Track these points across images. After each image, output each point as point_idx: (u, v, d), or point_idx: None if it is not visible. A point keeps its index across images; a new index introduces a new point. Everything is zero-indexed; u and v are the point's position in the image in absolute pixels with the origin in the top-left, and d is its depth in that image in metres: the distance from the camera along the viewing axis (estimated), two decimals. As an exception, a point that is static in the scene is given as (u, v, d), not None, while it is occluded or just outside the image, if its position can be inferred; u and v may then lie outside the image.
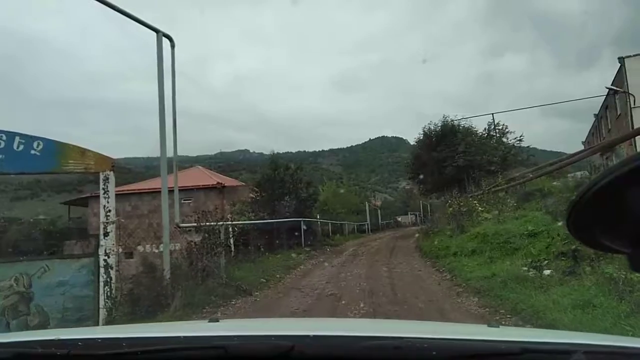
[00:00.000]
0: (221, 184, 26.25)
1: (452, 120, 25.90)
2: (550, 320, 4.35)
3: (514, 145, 27.81)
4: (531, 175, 13.51)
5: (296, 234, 15.01)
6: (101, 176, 5.61)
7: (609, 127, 26.64)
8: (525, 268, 6.54)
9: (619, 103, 23.68)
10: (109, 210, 5.56)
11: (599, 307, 4.32)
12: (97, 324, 5.36)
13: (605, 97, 27.08)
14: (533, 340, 1.10)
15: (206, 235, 7.40)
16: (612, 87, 22.47)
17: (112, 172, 5.63)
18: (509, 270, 6.74)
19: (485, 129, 27.96)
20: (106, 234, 5.50)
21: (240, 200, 17.93)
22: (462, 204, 14.50)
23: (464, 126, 26.07)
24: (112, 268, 5.49)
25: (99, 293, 5.44)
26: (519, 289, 5.80)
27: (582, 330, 3.91)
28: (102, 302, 5.42)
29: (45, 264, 5.63)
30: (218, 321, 1.53)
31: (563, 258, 6.16)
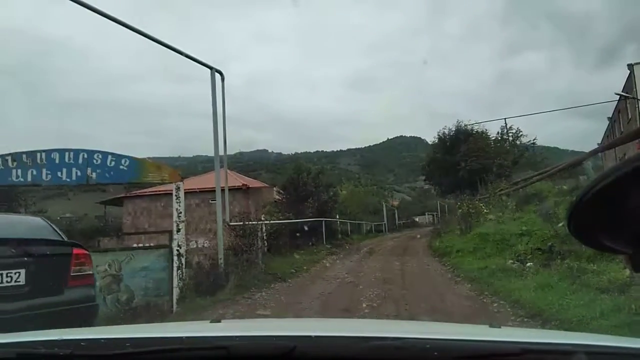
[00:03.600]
0: (246, 185, 28.05)
1: (465, 125, 27.16)
2: (517, 297, 5.77)
3: (526, 148, 28.81)
4: (534, 179, 14.71)
5: (318, 232, 16.58)
6: (174, 186, 7.27)
7: (622, 131, 27.29)
8: (512, 261, 7.92)
9: (629, 107, 24.42)
10: (180, 212, 7.21)
11: (554, 287, 5.71)
12: (172, 300, 6.98)
13: (617, 101, 27.73)
14: (534, 340, 1.11)
15: (248, 232, 9.02)
16: (622, 93, 23.24)
17: (182, 183, 7.28)
18: (499, 263, 8.13)
19: (498, 132, 29.02)
20: (178, 230, 7.14)
21: (268, 202, 19.60)
22: (470, 206, 15.81)
23: (477, 131, 27.21)
24: (182, 256, 7.12)
25: (172, 276, 7.08)
26: (503, 277, 7.21)
27: (534, 301, 5.31)
28: (175, 283, 7.05)
29: (131, 253, 7.30)
30: (220, 321, 1.53)
31: (540, 253, 7.52)
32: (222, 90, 8.54)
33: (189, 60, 8.48)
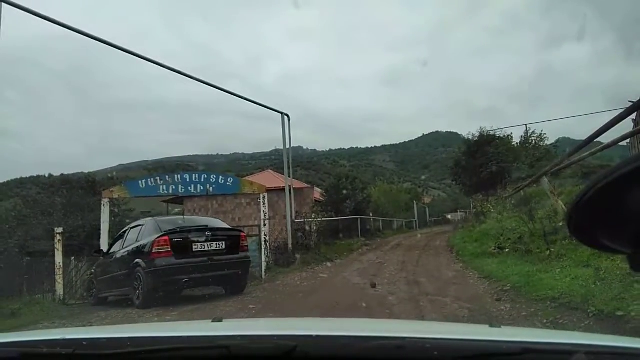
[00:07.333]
0: (291, 186, 32.09)
1: (487, 131, 29.87)
2: (484, 268, 9.10)
3: (547, 150, 31.19)
4: (530, 182, 17.52)
5: (354, 228, 20.23)
6: (261, 196, 11.10)
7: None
8: (493, 248, 11.17)
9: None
10: (265, 213, 11.01)
11: (507, 263, 9.01)
12: (261, 270, 10.72)
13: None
14: (534, 340, 1.14)
15: (304, 226, 12.78)
16: (633, 101, 25.13)
17: (266, 193, 11.08)
18: (485, 250, 11.41)
19: (522, 136, 31.64)
20: (264, 225, 10.95)
21: (310, 200, 23.44)
22: (483, 206, 18.89)
23: (499, 136, 29.82)
24: (267, 242, 10.92)
25: (261, 254, 10.87)
26: (483, 258, 10.52)
27: (491, 270, 8.65)
28: (263, 259, 10.84)
29: (234, 239, 11.17)
30: (222, 321, 1.53)
31: (512, 243, 10.74)
32: (289, 128, 12.31)
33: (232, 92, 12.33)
